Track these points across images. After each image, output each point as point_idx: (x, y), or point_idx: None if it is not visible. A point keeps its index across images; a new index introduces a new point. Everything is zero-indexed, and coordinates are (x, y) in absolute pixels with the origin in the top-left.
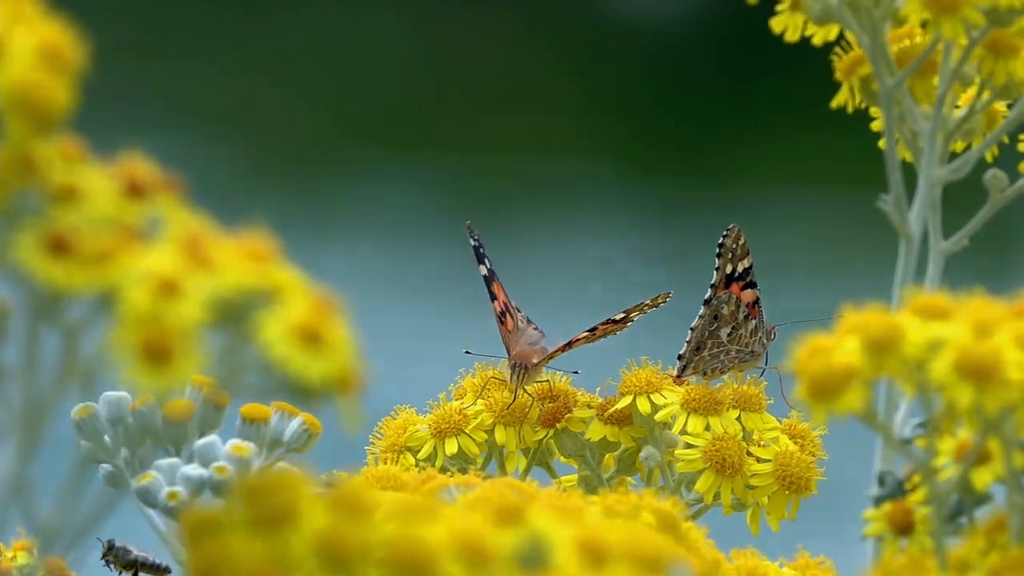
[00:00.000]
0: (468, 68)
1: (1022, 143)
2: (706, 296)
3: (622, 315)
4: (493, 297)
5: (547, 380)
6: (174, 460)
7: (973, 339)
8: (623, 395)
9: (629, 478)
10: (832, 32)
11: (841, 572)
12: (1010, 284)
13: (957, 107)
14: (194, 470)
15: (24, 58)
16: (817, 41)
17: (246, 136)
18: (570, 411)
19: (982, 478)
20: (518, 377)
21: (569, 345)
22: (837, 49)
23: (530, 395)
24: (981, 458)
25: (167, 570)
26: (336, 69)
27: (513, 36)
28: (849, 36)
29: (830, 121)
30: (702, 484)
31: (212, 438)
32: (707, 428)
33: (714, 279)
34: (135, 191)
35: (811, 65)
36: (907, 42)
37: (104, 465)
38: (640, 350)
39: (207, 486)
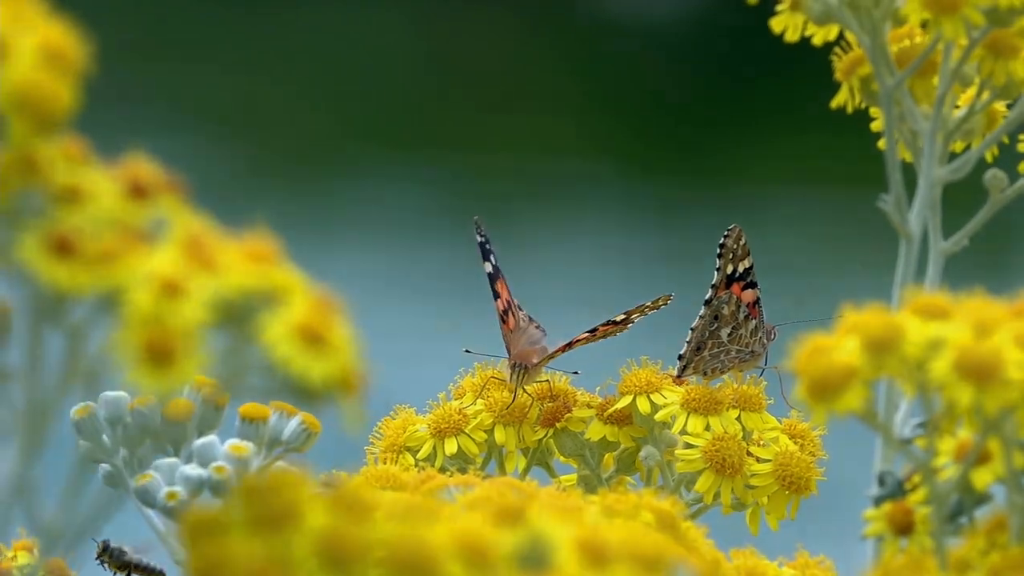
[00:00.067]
0: (469, 68)
1: (1022, 143)
2: (707, 296)
3: (622, 316)
4: (496, 295)
5: (547, 380)
6: (173, 460)
7: (973, 339)
8: (623, 395)
9: (628, 478)
10: (832, 32)
11: (841, 572)
12: (1010, 284)
13: (957, 107)
14: (193, 470)
15: (27, 58)
16: (817, 41)
17: (247, 136)
18: (570, 411)
19: (982, 478)
20: (518, 377)
21: (569, 346)
22: (837, 49)
23: (530, 395)
24: (981, 458)
25: (161, 574)
26: (337, 69)
27: (514, 36)
28: (849, 36)
29: (830, 121)
30: (702, 484)
31: (211, 438)
32: (707, 428)
33: (715, 279)
34: (138, 192)
35: (811, 65)
36: (907, 42)
37: (103, 465)
38: (640, 350)
39: (206, 486)
